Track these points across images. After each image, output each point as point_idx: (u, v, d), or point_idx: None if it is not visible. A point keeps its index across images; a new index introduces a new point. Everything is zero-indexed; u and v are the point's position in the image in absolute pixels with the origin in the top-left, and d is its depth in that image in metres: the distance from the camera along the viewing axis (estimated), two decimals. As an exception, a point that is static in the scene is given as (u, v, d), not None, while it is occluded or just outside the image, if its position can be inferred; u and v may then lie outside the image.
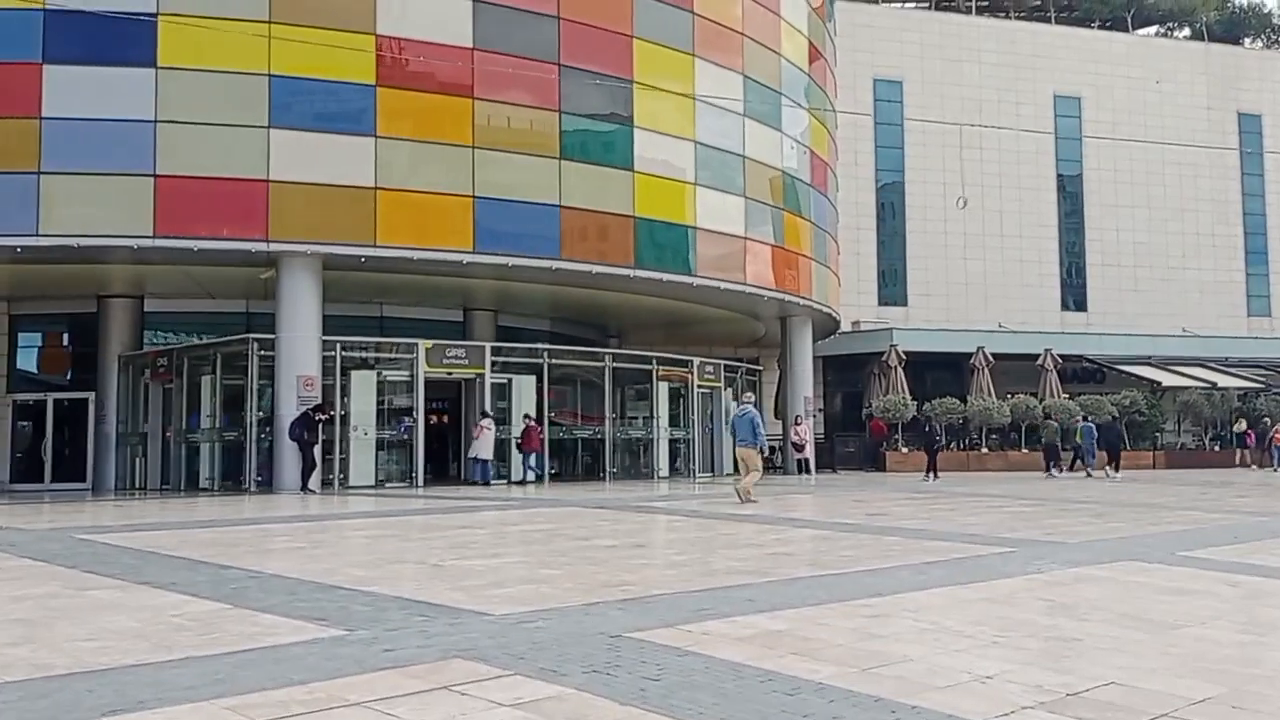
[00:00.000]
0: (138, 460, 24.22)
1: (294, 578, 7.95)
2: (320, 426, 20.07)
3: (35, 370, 26.25)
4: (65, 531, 11.09)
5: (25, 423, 25.47)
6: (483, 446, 22.55)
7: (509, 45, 21.65)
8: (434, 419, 27.78)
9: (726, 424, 29.13)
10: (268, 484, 20.56)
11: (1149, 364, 37.92)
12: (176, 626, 6.05)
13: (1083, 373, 39.09)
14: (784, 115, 27.83)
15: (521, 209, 21.73)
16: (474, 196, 21.10)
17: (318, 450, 20.16)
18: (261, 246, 19.68)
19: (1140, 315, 43.22)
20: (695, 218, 24.59)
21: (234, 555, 9.25)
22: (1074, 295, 43.96)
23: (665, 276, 23.92)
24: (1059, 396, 35.02)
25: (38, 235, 18.74)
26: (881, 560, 9.25)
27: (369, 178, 20.30)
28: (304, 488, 19.73)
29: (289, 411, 20.09)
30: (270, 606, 6.69)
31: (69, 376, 25.97)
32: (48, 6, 18.72)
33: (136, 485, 24.06)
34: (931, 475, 25.29)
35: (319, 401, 20.23)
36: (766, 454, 16.51)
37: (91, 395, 24.75)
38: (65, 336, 26.21)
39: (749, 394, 18.36)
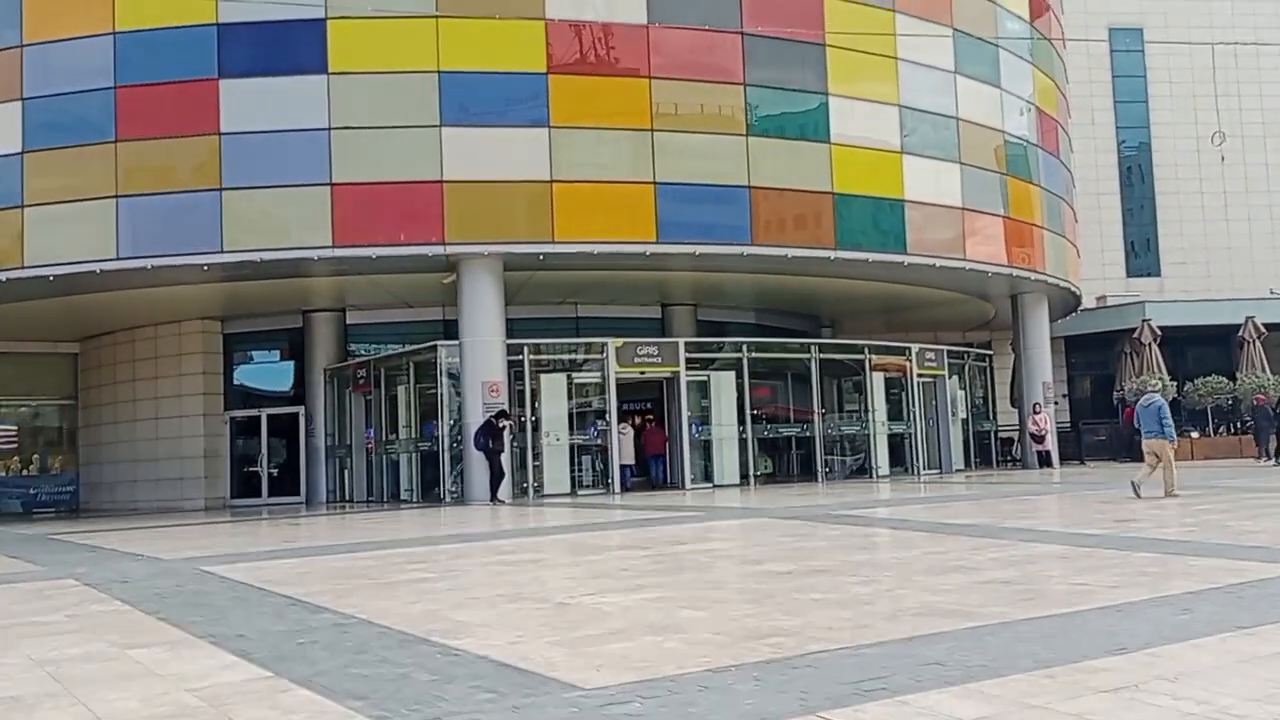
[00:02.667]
0: (345, 472, 24.21)
1: (383, 625, 6.66)
2: (505, 434, 19.15)
3: (248, 384, 26.81)
4: (194, 563, 10.34)
5: (243, 439, 26.01)
6: (623, 451, 21.24)
7: (686, 17, 20.13)
8: (638, 420, 26.67)
9: (952, 416, 26.67)
10: (461, 495, 19.88)
11: None
12: (179, 710, 4.80)
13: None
14: (1003, 70, 25.01)
15: (707, 192, 20.17)
16: (655, 183, 19.70)
17: (505, 458, 19.26)
18: (438, 250, 18.98)
19: None
20: (903, 190, 22.28)
21: (343, 591, 8.11)
22: (1364, 253, 38.32)
23: (872, 257, 21.75)
24: (1349, 369, 30.34)
25: (222, 252, 18.71)
26: (1129, 590, 7.11)
27: (544, 171, 19.25)
28: (493, 498, 18.88)
29: (476, 420, 19.32)
30: (318, 674, 5.37)
31: (279, 391, 26.37)
32: (220, 20, 18.62)
33: (344, 498, 24.05)
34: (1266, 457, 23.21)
35: (503, 407, 19.34)
36: (1175, 444, 14.90)
37: (301, 409, 24.97)
38: (276, 352, 26.62)
39: (1155, 381, 16.30)
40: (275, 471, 25.73)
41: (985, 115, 24.38)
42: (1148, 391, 15.57)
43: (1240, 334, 30.90)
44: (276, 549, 11.79)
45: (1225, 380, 29.90)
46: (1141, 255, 37.64)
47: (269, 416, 25.64)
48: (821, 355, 24.28)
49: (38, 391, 28.84)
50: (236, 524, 17.30)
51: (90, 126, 18.95)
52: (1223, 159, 34.79)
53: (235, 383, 26.20)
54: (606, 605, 7.20)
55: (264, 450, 25.47)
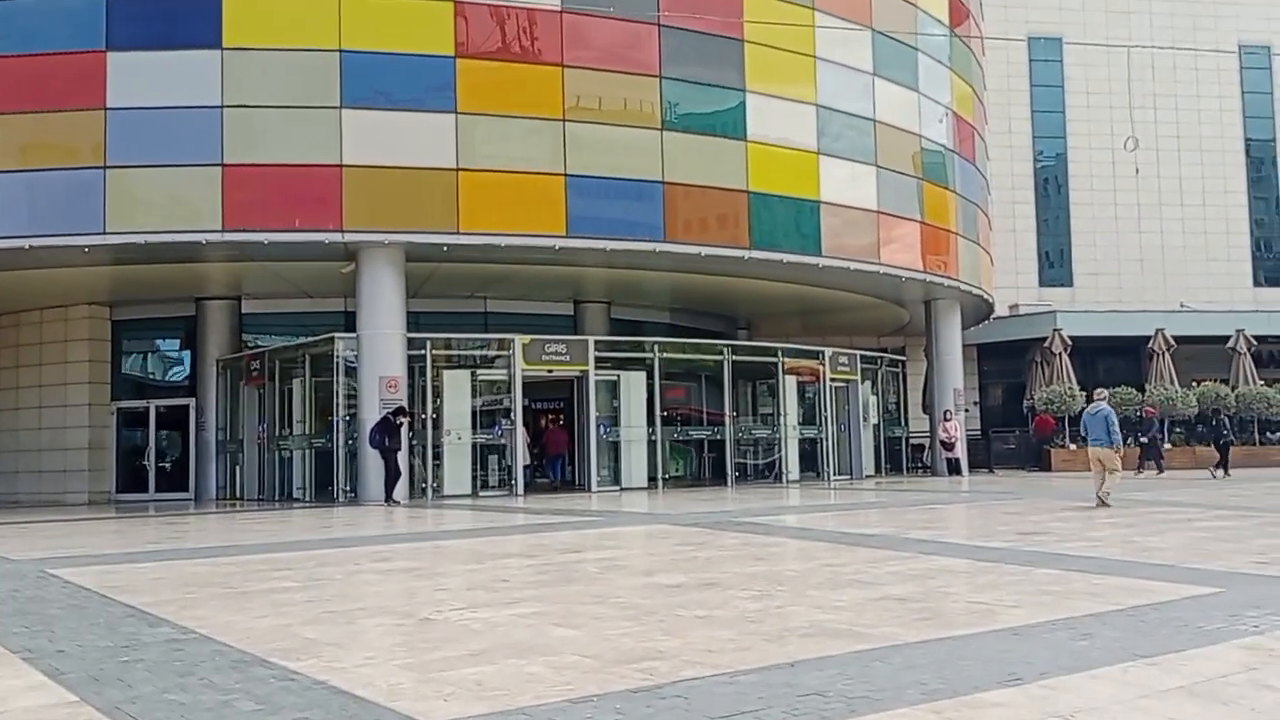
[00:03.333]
0: (237, 468, 23.18)
1: (221, 642, 5.99)
2: (402, 431, 18.38)
3: (137, 374, 25.58)
4: (43, 564, 9.49)
5: (131, 431, 24.78)
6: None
7: (602, 5, 19.53)
8: (545, 421, 26.07)
9: (864, 421, 26.51)
10: (356, 495, 19.05)
11: (1361, 344, 33.28)
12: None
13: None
14: (922, 75, 24.91)
15: (620, 187, 19.63)
16: (566, 175, 19.11)
17: (402, 458, 18.49)
18: (335, 237, 18.15)
19: (1348, 289, 38.23)
20: (819, 191, 21.99)
21: (192, 601, 7.40)
22: (1268, 269, 39.21)
23: (786, 258, 21.41)
24: (1255, 383, 30.89)
25: (105, 234, 17.64)
26: (1029, 611, 6.72)
27: (450, 158, 18.53)
28: (388, 498, 18.09)
29: (372, 416, 18.52)
30: (130, 700, 4.70)
31: (170, 382, 25.21)
32: (107, -11, 17.57)
33: (236, 495, 23.02)
34: (1221, 471, 23.27)
35: (401, 404, 18.56)
36: (1121, 452, 15.14)
37: (191, 401, 23.86)
38: (165, 341, 25.42)
39: (1103, 390, 16.34)
40: (167, 466, 24.59)
41: (903, 119, 24.23)
42: (1095, 400, 15.64)
43: (1150, 345, 31.29)
44: (139, 550, 10.95)
45: (1134, 392, 30.24)
46: (1056, 265, 38.02)
47: (158, 408, 24.46)
48: (734, 357, 23.86)
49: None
50: (110, 521, 16.29)
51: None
52: (1136, 171, 35.26)
53: (124, 372, 24.98)
54: (475, 622, 6.61)
55: (151, 443, 24.29)
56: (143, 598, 7.45)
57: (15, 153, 17.71)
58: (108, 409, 24.08)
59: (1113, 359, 34.87)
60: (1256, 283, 38.93)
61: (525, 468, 20.99)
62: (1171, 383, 30.46)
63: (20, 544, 12.34)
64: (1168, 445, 30.13)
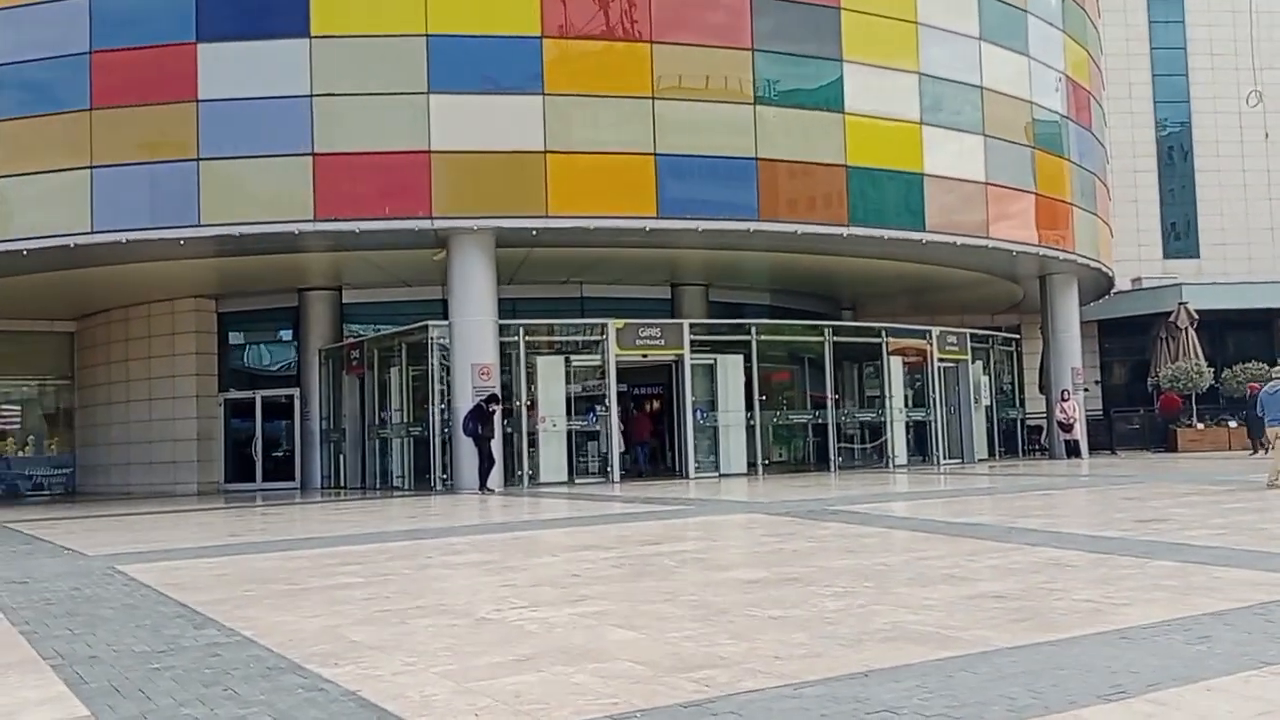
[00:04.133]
0: (340, 457, 23.39)
1: (262, 646, 5.72)
2: (494, 419, 18.18)
3: (244, 365, 26.03)
4: (115, 560, 9.46)
5: (240, 421, 25.23)
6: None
7: (690, -23, 18.98)
8: (648, 406, 25.70)
9: (975, 403, 25.50)
10: (452, 483, 18.98)
11: None
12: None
13: None
14: (1032, 38, 23.67)
15: (711, 165, 19.07)
16: (656, 154, 18.63)
17: (496, 445, 18.31)
18: (425, 225, 18.01)
19: None
20: (923, 164, 21.06)
21: (249, 599, 7.19)
22: None
23: (888, 234, 20.56)
24: (1402, 356, 28.80)
25: (199, 226, 17.83)
26: (1141, 609, 6.05)
27: (538, 141, 18.23)
28: (482, 487, 17.94)
29: (465, 404, 18.37)
30: (142, 714, 4.43)
31: (275, 372, 25.58)
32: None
33: (339, 483, 23.25)
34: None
35: (494, 391, 18.37)
36: None
37: (296, 391, 24.16)
38: (269, 331, 25.78)
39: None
40: (281, 454, 24.94)
41: (1013, 86, 23.07)
42: (1274, 378, 15.05)
43: (1283, 318, 29.46)
44: (215, 544, 10.90)
45: (1266, 366, 28.43)
46: (1181, 236, 36.06)
47: (263, 399, 24.84)
48: (836, 338, 23.10)
49: (35, 371, 28.26)
50: (203, 513, 16.44)
51: (64, 94, 18.11)
52: (1266, 135, 33.19)
53: (231, 363, 25.44)
54: (532, 622, 6.22)
55: (257, 433, 24.68)
56: (200, 595, 7.28)
57: (113, 147, 18.00)
58: (215, 400, 24.56)
59: (1243, 333, 32.98)
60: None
61: (621, 454, 20.63)
62: (1309, 357, 28.60)
63: (105, 538, 12.47)
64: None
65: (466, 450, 18.22)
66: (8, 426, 28.15)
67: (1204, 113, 35.79)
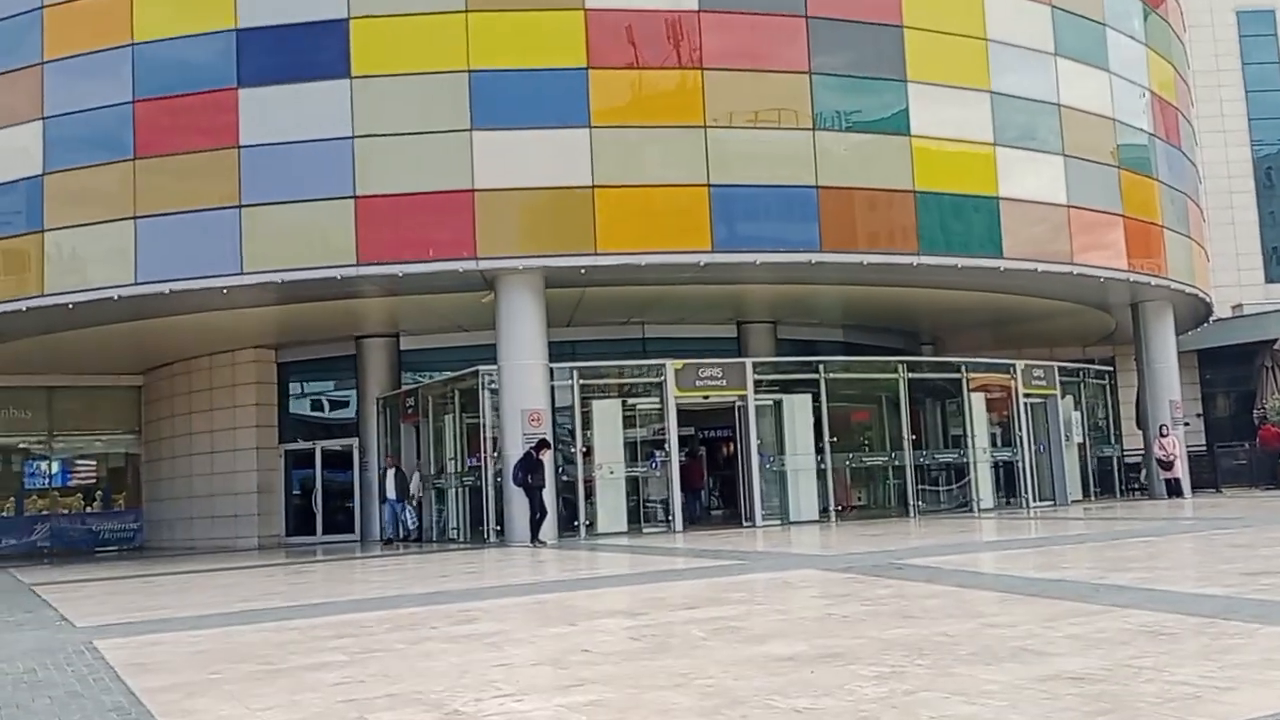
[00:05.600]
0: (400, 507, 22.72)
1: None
2: (544, 467, 17.29)
3: (304, 414, 25.63)
4: (97, 632, 8.75)
5: (300, 471, 24.78)
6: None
7: (742, 1, 18.12)
8: (717, 450, 24.65)
9: (1066, 440, 23.93)
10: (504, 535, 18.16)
11: None
12: None
13: None
14: (1112, 53, 22.32)
15: (768, 195, 18.13)
16: (709, 185, 17.75)
17: (548, 495, 17.43)
18: (470, 265, 17.34)
19: None
20: (997, 186, 19.80)
21: (209, 685, 6.36)
22: None
23: (961, 262, 19.31)
24: None
25: (242, 274, 17.41)
26: (1251, 693, 4.89)
27: (584, 175, 17.48)
28: (534, 539, 17.04)
29: (515, 452, 17.56)
30: None
31: (335, 420, 25.12)
32: (239, 25, 17.40)
33: (400, 535, 22.56)
34: None
35: (544, 437, 17.52)
36: None
37: (355, 441, 23.64)
38: (329, 381, 25.36)
39: None
40: (350, 505, 24.36)
41: (1094, 103, 21.72)
42: None
43: (1400, 343, 27.33)
44: (220, 612, 10.12)
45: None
46: (1283, 260, 33.95)
47: (323, 449, 24.37)
48: (911, 374, 21.77)
49: (103, 425, 28.29)
50: (239, 572, 15.77)
51: (109, 144, 17.94)
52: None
53: (291, 413, 25.06)
54: (509, 717, 5.26)
55: (317, 484, 24.19)
56: (157, 679, 6.47)
57: (156, 196, 17.73)
58: (276, 451, 24.17)
59: (1357, 360, 30.78)
60: None
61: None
62: None
63: (113, 604, 11.88)
64: None
65: (517, 500, 17.38)
66: (83, 482, 28.19)
67: (1304, 128, 33.78)
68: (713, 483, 23.66)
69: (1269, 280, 33.51)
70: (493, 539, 18.36)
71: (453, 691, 5.90)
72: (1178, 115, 25.10)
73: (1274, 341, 27.59)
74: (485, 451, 18.58)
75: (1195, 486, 25.60)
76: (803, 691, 5.52)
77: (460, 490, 20.24)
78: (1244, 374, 31.05)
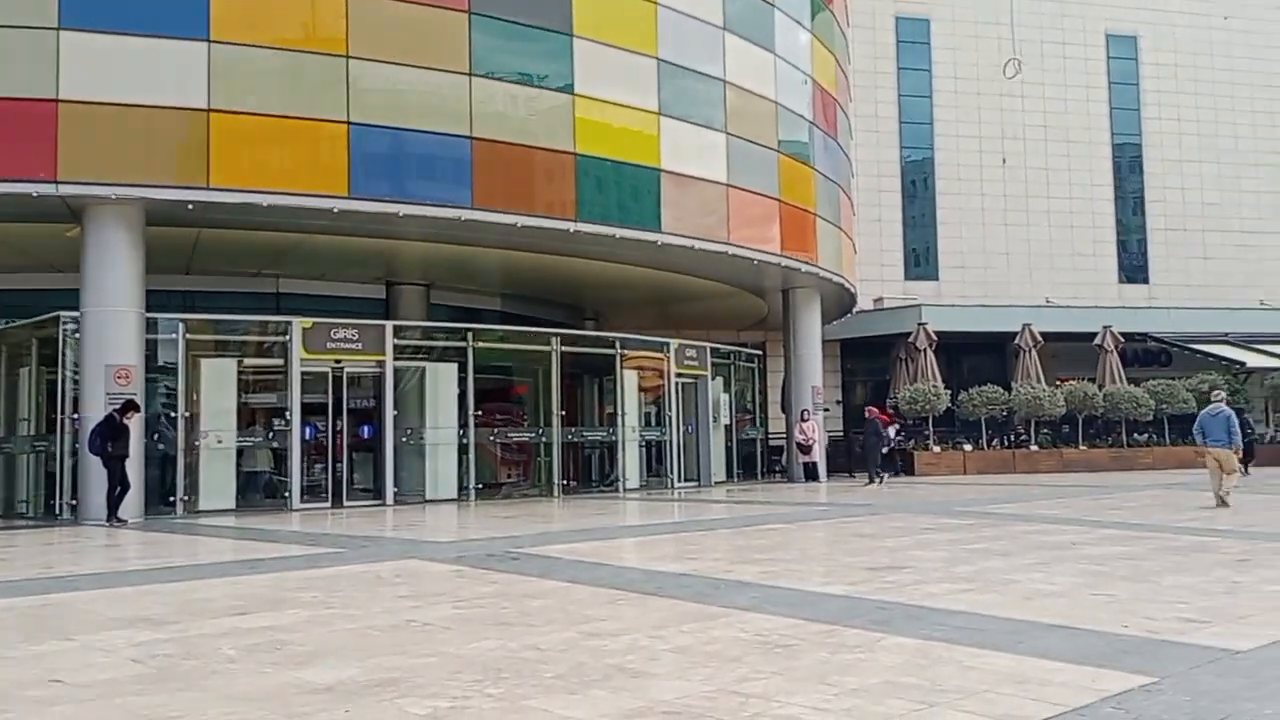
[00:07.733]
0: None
1: None
2: (129, 433, 14.78)
3: None
4: None
5: None
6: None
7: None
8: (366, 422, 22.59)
9: (714, 422, 23.90)
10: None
11: (1226, 342, 32.19)
12: None
13: (1145, 354, 33.47)
14: (779, 35, 22.33)
15: (417, 140, 16.45)
16: (349, 123, 15.85)
17: (131, 465, 14.93)
18: (48, 189, 14.50)
19: (1211, 287, 37.37)
20: (659, 158, 19.18)
21: None
22: (1133, 265, 38.14)
23: (619, 233, 18.51)
24: (1122, 382, 29.39)
25: None
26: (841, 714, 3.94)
27: (199, 97, 15.07)
28: (111, 517, 14.49)
29: (97, 415, 14.91)
30: None
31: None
32: None
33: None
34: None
35: (132, 398, 15.00)
36: (1239, 453, 15.22)
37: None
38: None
39: (1220, 391, 16.74)
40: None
41: (758, 83, 21.62)
42: (1214, 400, 15.42)
43: (1016, 342, 29.57)
44: None
45: (1000, 390, 28.39)
46: (923, 258, 36.15)
47: None
48: (564, 348, 20.82)
49: None
50: None
51: None
52: (1004, 160, 33.64)
53: None
54: None
55: None
56: None
57: None
58: None
59: (978, 356, 33.22)
60: (1123, 279, 37.82)
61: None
62: (1038, 380, 28.75)
63: None
64: (1034, 446, 28.42)
65: (95, 471, 14.76)
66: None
67: (946, 135, 36.08)
68: (353, 457, 21.69)
69: (908, 278, 35.57)
70: (66, 515, 15.61)
71: None
72: (837, 107, 25.67)
73: (910, 335, 29.07)
74: (63, 412, 15.75)
75: (832, 470, 26.46)
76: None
77: (33, 457, 17.18)
78: (881, 365, 32.67)
